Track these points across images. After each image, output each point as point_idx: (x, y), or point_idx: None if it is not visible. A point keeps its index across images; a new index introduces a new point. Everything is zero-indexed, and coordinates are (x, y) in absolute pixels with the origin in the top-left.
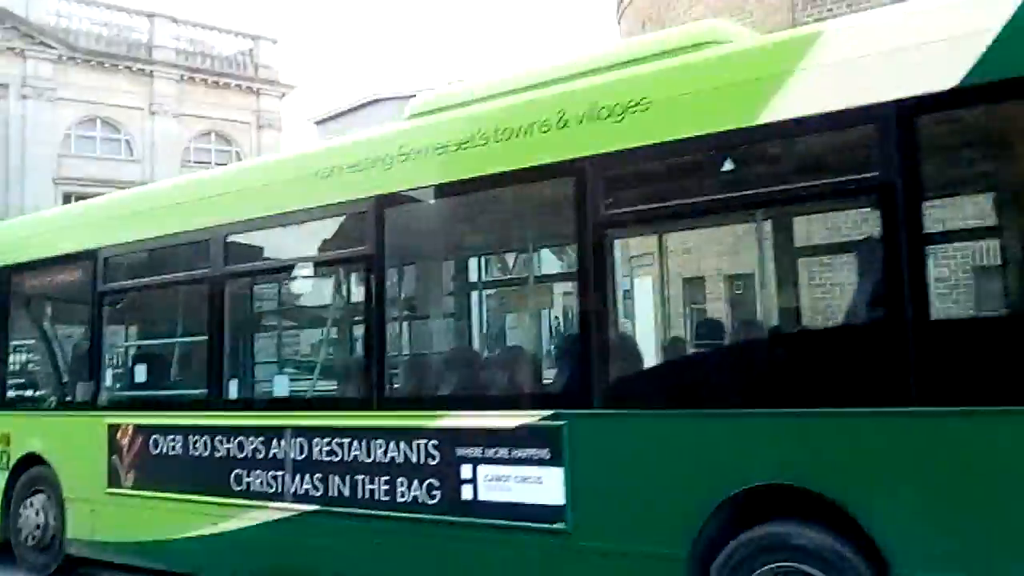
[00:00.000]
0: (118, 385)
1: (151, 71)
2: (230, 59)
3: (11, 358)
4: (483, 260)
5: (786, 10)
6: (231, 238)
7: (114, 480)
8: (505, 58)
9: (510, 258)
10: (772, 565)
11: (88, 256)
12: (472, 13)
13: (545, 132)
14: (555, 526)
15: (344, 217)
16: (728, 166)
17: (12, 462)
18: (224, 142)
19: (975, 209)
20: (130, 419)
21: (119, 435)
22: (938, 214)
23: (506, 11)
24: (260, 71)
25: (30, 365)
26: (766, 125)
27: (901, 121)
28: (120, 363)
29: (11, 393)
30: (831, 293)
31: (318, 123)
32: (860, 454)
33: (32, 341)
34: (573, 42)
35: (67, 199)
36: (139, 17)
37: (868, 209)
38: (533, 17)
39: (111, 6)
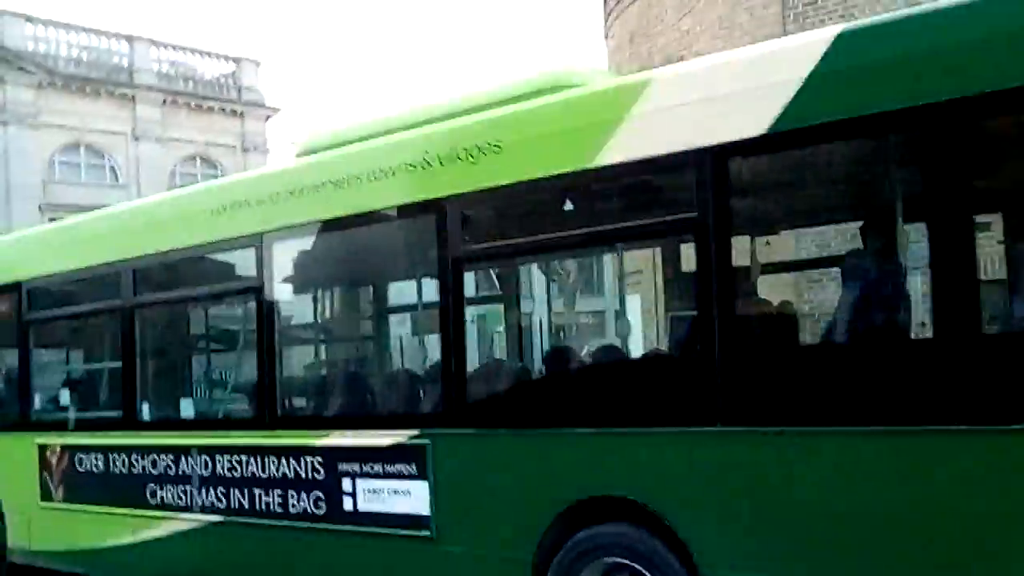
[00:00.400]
0: (45, 407)
1: (133, 95)
2: (213, 82)
3: None
4: (361, 291)
5: (776, 23)
6: (138, 271)
7: (45, 494)
8: (488, 75)
9: (386, 288)
10: (604, 559)
11: (13, 288)
12: (459, 31)
13: (411, 172)
14: (421, 533)
15: (236, 251)
16: (568, 206)
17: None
18: (210, 166)
19: (783, 244)
20: (56, 439)
21: (48, 453)
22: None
23: (497, 28)
24: (244, 93)
25: None
26: (599, 168)
27: (715, 165)
28: (47, 386)
29: None
30: (652, 325)
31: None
32: (672, 469)
33: None
34: (559, 60)
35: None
36: (119, 40)
37: (687, 244)
38: (522, 35)
39: (89, 29)
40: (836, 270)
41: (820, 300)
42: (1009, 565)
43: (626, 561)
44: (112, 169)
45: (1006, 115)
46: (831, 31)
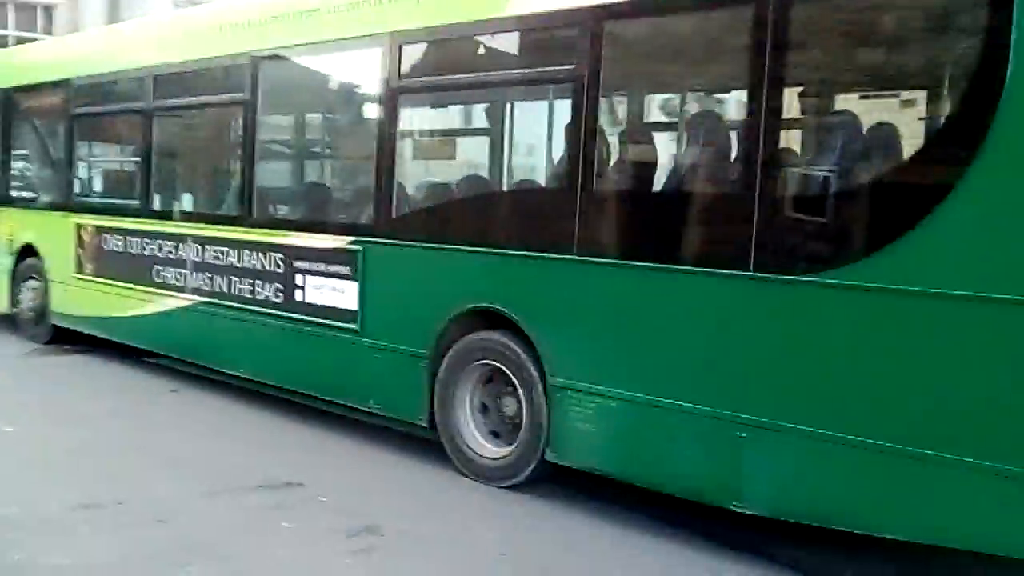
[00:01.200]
0: (83, 192)
1: None
2: None
3: (14, 165)
4: (322, 115)
5: None
6: (157, 78)
7: (78, 268)
8: None
9: (340, 113)
10: (479, 362)
11: (64, 85)
12: None
13: (366, 6)
14: (349, 325)
15: (230, 68)
16: (480, 50)
17: (16, 249)
18: None
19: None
20: (89, 220)
21: (82, 232)
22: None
23: None
24: None
25: (28, 171)
26: (504, 18)
27: (596, 17)
28: (85, 174)
29: (14, 193)
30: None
31: None
32: (531, 287)
33: (29, 151)
34: None
35: None
36: None
37: (568, 91)
38: None
39: None
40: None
41: (667, 158)
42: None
43: (496, 363)
44: None
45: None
46: None
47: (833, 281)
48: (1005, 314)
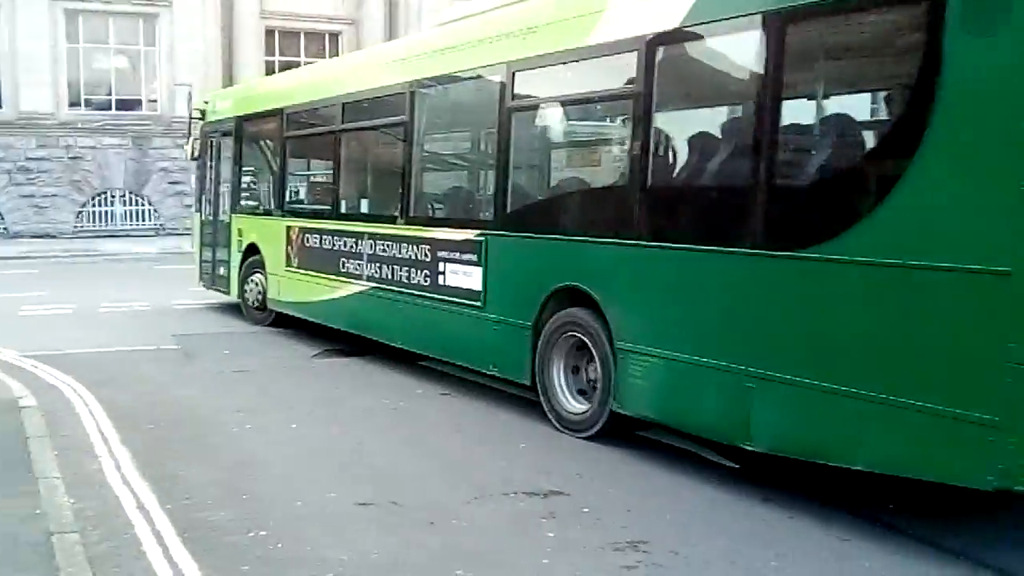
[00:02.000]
0: (291, 200)
1: None
2: None
3: (244, 179)
4: (458, 133)
5: None
6: (344, 106)
7: (288, 262)
8: None
9: (470, 132)
10: (569, 333)
11: (278, 113)
12: None
13: (487, 43)
14: (475, 303)
15: (392, 97)
16: (573, 75)
17: (243, 248)
18: None
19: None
20: (295, 223)
21: (290, 233)
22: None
23: None
24: None
25: (253, 184)
26: (590, 46)
27: (649, 48)
28: (293, 186)
29: (243, 202)
30: (620, 167)
31: None
32: (609, 269)
33: (254, 168)
34: None
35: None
36: None
37: (630, 109)
38: None
39: None
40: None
41: (714, 162)
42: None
43: (580, 334)
44: None
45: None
46: None
47: (810, 257)
48: (946, 280)
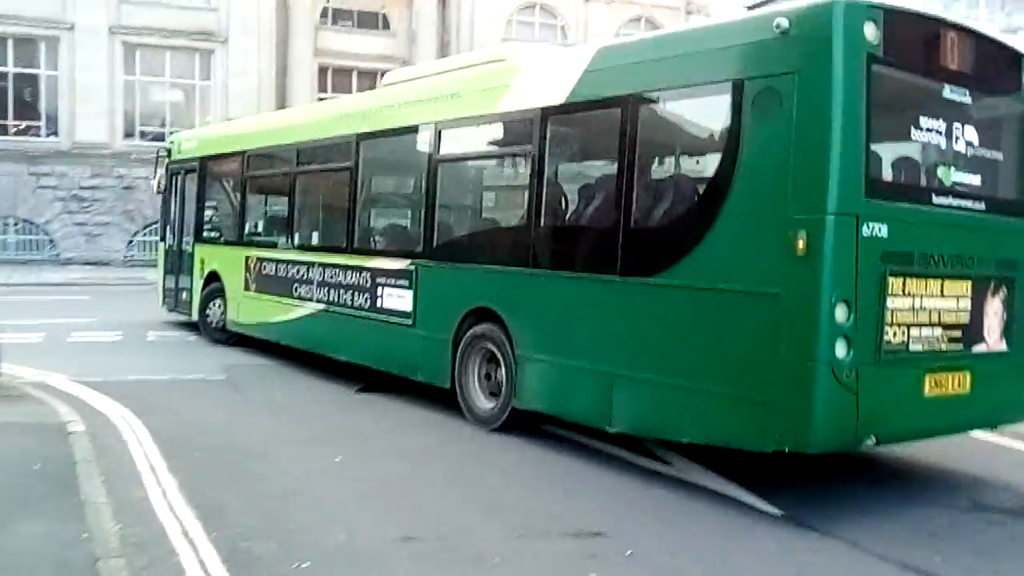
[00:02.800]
0: (250, 232)
1: None
2: None
3: (206, 213)
4: (389, 179)
5: None
6: (298, 151)
7: (246, 287)
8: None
9: (407, 176)
10: (480, 345)
11: (241, 154)
12: None
13: (420, 104)
14: (406, 321)
15: (339, 144)
16: (486, 135)
17: (204, 274)
18: (652, 27)
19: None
20: (253, 252)
21: (249, 260)
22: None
23: None
24: None
25: (215, 217)
26: (499, 113)
27: (542, 118)
28: (251, 219)
29: (205, 234)
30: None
31: (750, 8)
32: (511, 292)
33: (215, 203)
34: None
35: None
36: None
37: (527, 164)
38: None
39: None
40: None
41: (589, 209)
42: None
43: (491, 345)
44: (562, 29)
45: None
46: (593, 46)
47: (650, 283)
48: (740, 299)
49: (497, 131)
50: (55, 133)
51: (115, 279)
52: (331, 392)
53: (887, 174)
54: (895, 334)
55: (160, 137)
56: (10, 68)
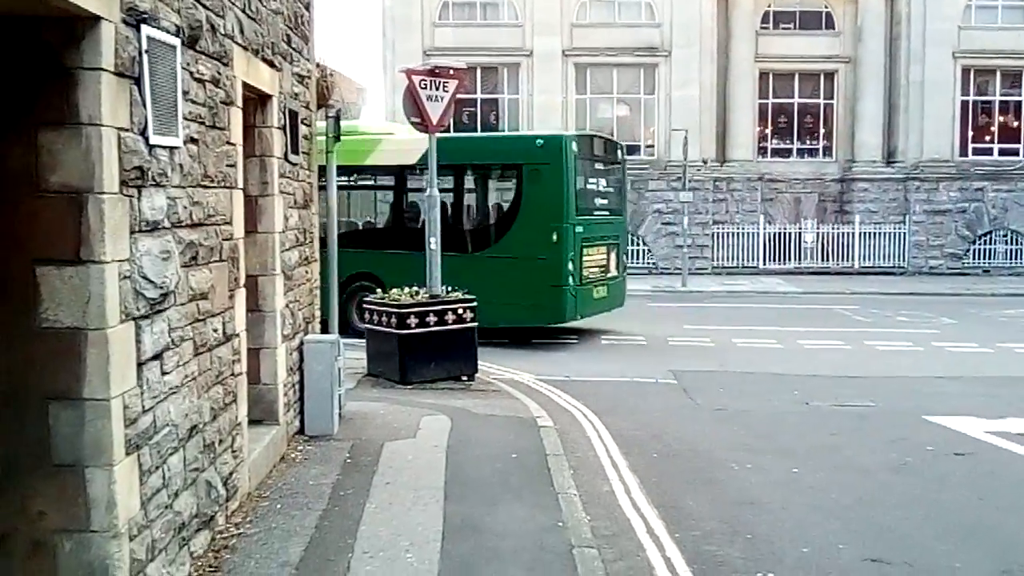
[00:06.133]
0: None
1: None
2: None
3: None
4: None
5: None
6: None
7: None
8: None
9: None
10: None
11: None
12: None
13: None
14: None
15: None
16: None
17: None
18: None
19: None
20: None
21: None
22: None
23: None
24: None
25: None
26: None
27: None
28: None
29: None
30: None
31: None
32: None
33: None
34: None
35: (965, 72)
36: None
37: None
38: None
39: None
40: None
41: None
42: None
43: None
44: None
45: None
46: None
47: (484, 255)
48: (529, 261)
49: (380, 173)
50: None
51: None
52: (785, 402)
53: (580, 204)
54: (586, 272)
55: None
56: (478, 94)
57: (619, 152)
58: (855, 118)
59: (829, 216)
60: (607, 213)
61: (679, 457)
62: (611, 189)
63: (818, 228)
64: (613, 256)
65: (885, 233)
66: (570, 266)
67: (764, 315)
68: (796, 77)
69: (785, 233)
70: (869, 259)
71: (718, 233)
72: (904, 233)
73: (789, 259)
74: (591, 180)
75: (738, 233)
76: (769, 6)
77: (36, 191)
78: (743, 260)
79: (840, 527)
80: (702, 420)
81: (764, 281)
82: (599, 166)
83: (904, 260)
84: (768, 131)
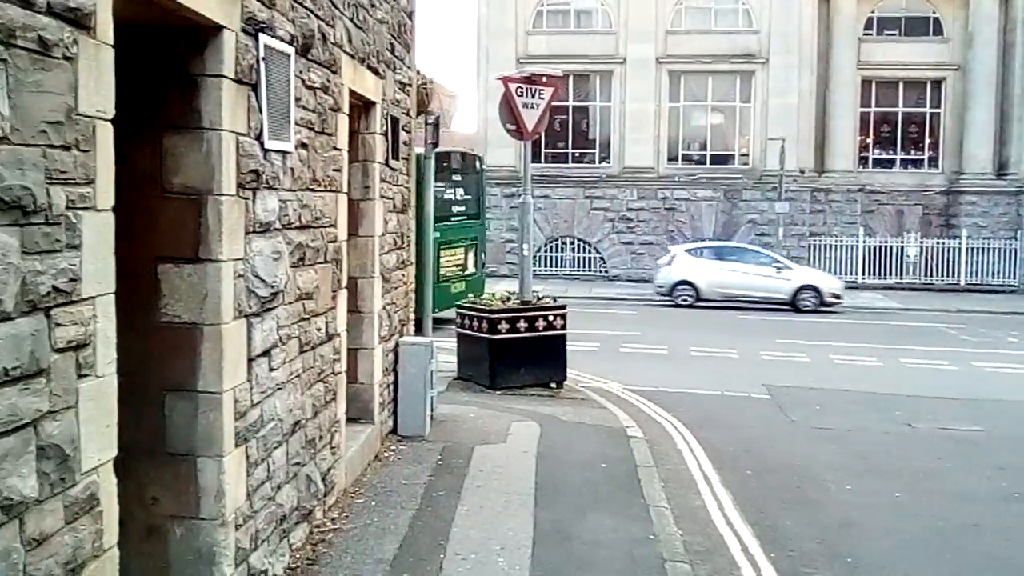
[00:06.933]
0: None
1: None
2: None
3: None
4: None
5: None
6: None
7: None
8: None
9: None
10: None
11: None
12: None
13: None
14: None
15: None
16: None
17: None
18: None
19: None
20: None
21: None
22: None
23: None
24: None
25: None
26: None
27: None
28: None
29: None
30: None
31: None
32: None
33: None
34: None
35: None
36: None
37: None
38: None
39: None
40: None
41: None
42: None
43: None
44: None
45: None
46: None
47: None
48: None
49: None
50: (607, 159)
51: (656, 296)
52: (883, 424)
53: (437, 211)
54: (443, 271)
55: (701, 160)
56: (570, 102)
57: (477, 164)
58: (964, 128)
59: (933, 230)
60: (464, 218)
61: (774, 474)
62: (468, 196)
63: (921, 242)
64: (471, 255)
65: (994, 248)
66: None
67: (863, 331)
68: (900, 85)
69: (886, 246)
70: (976, 275)
71: (814, 245)
72: (1016, 249)
73: (889, 274)
74: (448, 190)
75: (836, 245)
76: (873, 12)
77: (160, 192)
78: (840, 273)
79: (945, 556)
80: (798, 437)
81: (862, 296)
82: (456, 177)
83: (1015, 277)
84: (870, 140)
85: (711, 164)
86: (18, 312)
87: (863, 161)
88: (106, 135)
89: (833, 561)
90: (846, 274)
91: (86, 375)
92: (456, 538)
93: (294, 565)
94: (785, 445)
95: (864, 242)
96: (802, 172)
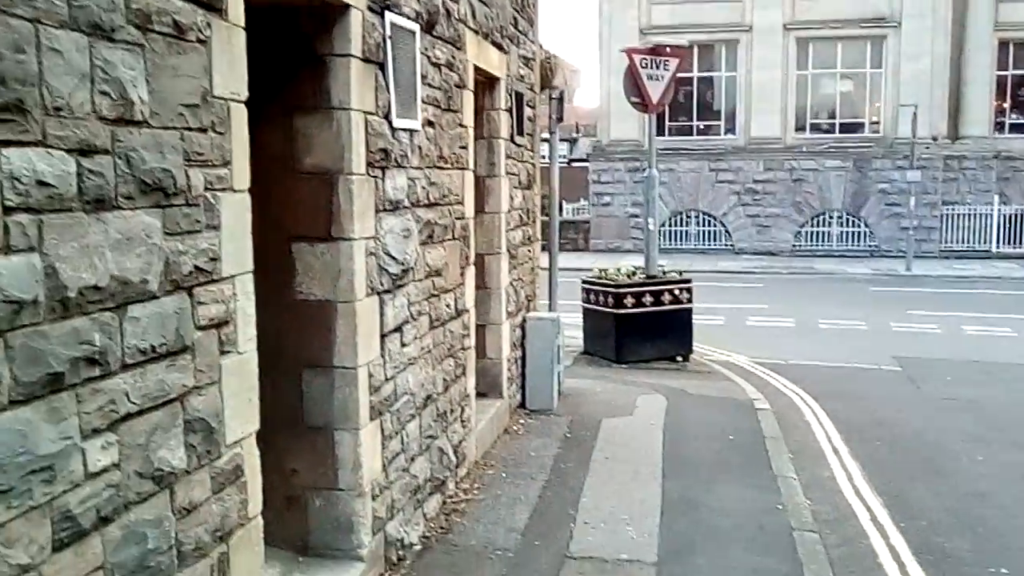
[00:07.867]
0: None
1: None
2: None
3: None
4: None
5: None
6: None
7: None
8: None
9: None
10: None
11: None
12: None
13: None
14: None
15: None
16: None
17: None
18: None
19: None
20: None
21: None
22: None
23: None
24: None
25: None
26: None
27: None
28: None
29: None
30: None
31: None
32: None
33: None
34: None
35: None
36: None
37: None
38: None
39: None
40: None
41: None
42: None
43: None
44: None
45: None
46: None
47: None
48: None
49: None
50: (732, 131)
51: (784, 268)
52: (1018, 393)
53: None
54: None
55: (829, 129)
56: (695, 73)
57: None
58: None
59: None
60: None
61: (904, 445)
62: None
63: None
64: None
65: None
66: None
67: (998, 302)
68: None
69: (1022, 215)
70: None
71: (946, 214)
72: None
73: None
74: None
75: (970, 215)
76: None
77: (292, 172)
78: (974, 243)
79: None
80: (929, 409)
81: (997, 266)
82: None
83: None
84: (1006, 105)
85: (840, 133)
86: (162, 291)
87: (999, 127)
88: (240, 117)
89: (964, 530)
90: (980, 243)
91: (228, 351)
92: (585, 508)
93: (428, 534)
94: (916, 416)
95: (999, 211)
96: (935, 139)
